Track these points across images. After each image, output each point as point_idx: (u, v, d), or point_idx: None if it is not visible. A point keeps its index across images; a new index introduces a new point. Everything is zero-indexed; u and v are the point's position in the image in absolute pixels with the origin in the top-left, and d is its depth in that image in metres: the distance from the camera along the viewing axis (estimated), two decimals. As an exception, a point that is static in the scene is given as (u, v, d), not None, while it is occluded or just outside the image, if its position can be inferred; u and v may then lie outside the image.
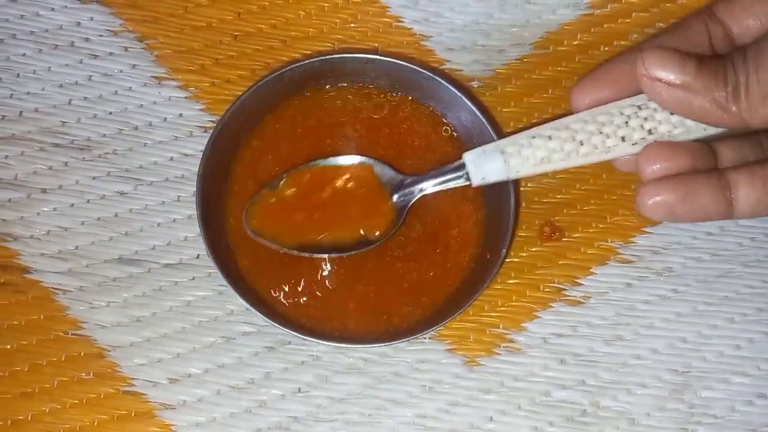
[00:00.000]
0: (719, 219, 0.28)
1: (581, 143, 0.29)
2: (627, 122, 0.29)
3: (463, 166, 0.30)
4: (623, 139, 0.29)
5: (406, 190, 0.32)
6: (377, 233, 0.32)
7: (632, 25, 0.38)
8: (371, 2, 0.39)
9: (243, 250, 0.33)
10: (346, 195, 0.33)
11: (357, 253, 0.32)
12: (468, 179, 0.30)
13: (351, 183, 0.33)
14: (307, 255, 0.32)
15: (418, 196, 0.32)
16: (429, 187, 0.32)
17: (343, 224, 0.32)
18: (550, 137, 0.29)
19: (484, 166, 0.30)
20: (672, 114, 0.28)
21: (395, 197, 0.32)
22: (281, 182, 0.33)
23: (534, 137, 0.29)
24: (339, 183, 0.33)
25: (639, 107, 0.29)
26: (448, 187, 0.32)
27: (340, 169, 0.33)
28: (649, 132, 0.29)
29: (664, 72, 0.26)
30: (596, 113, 0.29)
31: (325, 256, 0.33)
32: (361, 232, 0.32)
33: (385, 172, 0.33)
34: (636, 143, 0.29)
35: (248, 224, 0.32)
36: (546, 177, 0.37)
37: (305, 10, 0.38)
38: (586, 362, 0.34)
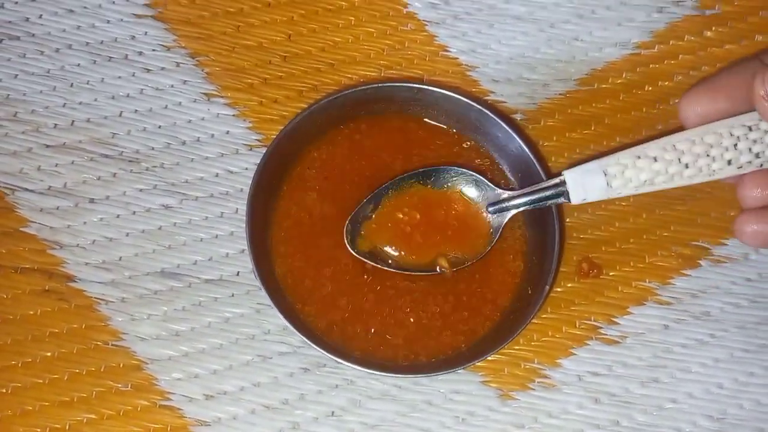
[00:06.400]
0: None
1: (686, 166, 0.28)
2: (736, 144, 0.27)
3: (562, 184, 0.30)
4: (729, 162, 0.28)
5: (501, 205, 0.32)
6: (475, 251, 0.32)
7: (678, 66, 0.39)
8: (419, 30, 0.39)
9: (284, 270, 0.34)
10: (441, 216, 0.33)
11: (430, 274, 0.33)
12: (567, 198, 0.30)
13: (446, 203, 0.33)
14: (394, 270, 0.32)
15: (513, 213, 0.32)
16: (525, 204, 0.31)
17: (441, 243, 0.32)
18: (655, 158, 0.28)
19: (586, 185, 0.29)
20: None
21: (490, 215, 0.32)
22: (376, 207, 0.33)
23: (639, 157, 0.28)
24: (433, 203, 0.33)
25: (750, 128, 0.27)
26: (546, 205, 0.31)
27: (433, 193, 0.33)
28: (756, 156, 0.27)
29: None
30: (704, 133, 0.28)
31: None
32: (439, 260, 0.32)
33: (480, 187, 0.32)
34: (741, 167, 0.28)
35: (355, 245, 0.33)
36: (585, 213, 0.37)
37: (353, 34, 0.39)
38: (621, 403, 0.34)
